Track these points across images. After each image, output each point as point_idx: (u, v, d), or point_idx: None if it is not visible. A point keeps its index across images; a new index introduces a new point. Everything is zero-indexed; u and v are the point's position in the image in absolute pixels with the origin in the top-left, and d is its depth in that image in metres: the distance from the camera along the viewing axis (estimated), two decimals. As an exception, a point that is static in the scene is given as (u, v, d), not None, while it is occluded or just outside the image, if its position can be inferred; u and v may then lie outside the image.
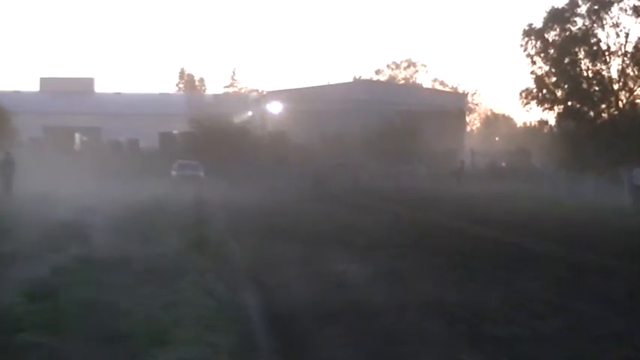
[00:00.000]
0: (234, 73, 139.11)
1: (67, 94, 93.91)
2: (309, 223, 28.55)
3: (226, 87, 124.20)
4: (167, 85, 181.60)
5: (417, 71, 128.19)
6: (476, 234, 24.64)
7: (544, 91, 54.98)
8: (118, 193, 41.37)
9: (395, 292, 14.05)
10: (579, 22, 54.14)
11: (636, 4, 52.64)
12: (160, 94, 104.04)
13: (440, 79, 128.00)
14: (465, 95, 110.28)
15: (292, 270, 16.55)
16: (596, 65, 54.06)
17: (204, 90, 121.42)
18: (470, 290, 14.14)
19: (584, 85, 54.03)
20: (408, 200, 43.04)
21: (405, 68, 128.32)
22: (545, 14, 54.61)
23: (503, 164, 77.51)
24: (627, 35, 53.44)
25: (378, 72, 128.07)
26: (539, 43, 54.62)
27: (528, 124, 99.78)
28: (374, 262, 17.75)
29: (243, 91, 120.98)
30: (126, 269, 14.32)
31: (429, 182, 61.89)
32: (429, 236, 24.17)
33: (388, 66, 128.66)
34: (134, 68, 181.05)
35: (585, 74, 54.41)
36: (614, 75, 53.99)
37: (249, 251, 19.70)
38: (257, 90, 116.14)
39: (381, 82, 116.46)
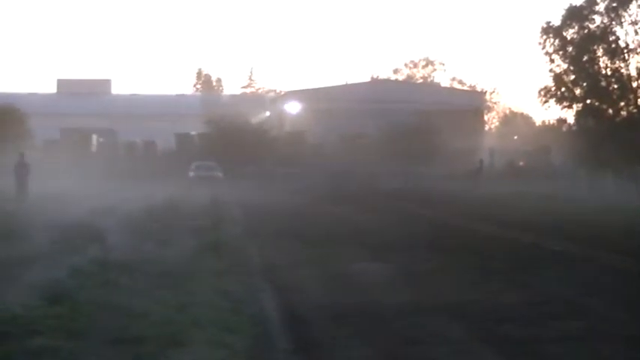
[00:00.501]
0: (251, 73, 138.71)
1: (84, 96, 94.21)
2: (325, 224, 28.53)
3: (244, 87, 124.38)
4: (184, 86, 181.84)
5: (434, 70, 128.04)
6: (494, 234, 24.56)
7: (562, 89, 54.76)
8: (134, 194, 41.45)
9: (412, 293, 14.03)
10: (597, 19, 53.89)
11: (656, 1, 52.47)
12: (177, 95, 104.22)
13: (458, 77, 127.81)
14: (483, 94, 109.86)
15: (308, 271, 16.54)
16: (614, 63, 53.82)
17: (222, 90, 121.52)
18: (488, 291, 14.09)
19: (603, 83, 53.80)
20: (425, 201, 42.96)
21: (422, 67, 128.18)
22: (563, 12, 54.41)
23: (521, 163, 77.16)
24: (646, 32, 53.24)
25: (395, 71, 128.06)
26: (557, 41, 54.40)
27: (547, 123, 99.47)
28: (391, 263, 17.72)
29: (260, 91, 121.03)
30: (142, 271, 14.33)
31: (447, 182, 61.75)
32: (447, 237, 24.11)
33: (406, 65, 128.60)
34: (150, 69, 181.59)
35: (604, 72, 54.19)
36: (633, 72, 53.70)
37: (266, 253, 19.70)
38: (274, 90, 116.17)
39: (399, 81, 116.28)
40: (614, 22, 53.62)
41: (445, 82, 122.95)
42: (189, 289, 12.69)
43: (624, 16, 53.33)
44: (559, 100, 55.12)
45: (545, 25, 54.68)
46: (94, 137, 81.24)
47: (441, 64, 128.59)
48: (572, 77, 54.68)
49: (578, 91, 54.81)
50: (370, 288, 14.66)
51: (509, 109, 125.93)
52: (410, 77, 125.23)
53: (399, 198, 45.89)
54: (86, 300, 11.35)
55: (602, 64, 54.23)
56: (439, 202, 41.68)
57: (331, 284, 15.00)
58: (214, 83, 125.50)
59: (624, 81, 53.71)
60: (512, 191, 48.43)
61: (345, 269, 16.95)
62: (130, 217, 26.56)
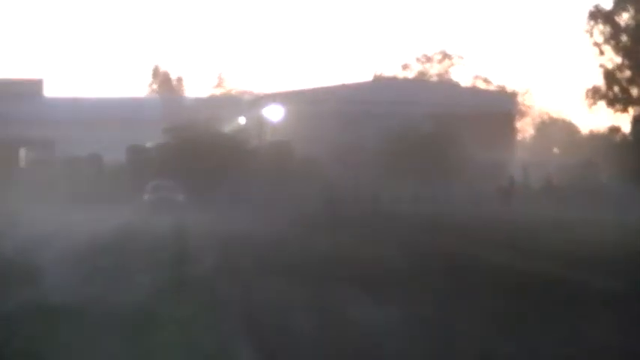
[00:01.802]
0: (221, 71, 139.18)
1: (10, 99, 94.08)
2: (316, 258, 28.52)
3: (214, 87, 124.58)
4: (137, 87, 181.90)
5: (452, 65, 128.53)
6: (529, 269, 24.64)
7: (615, 88, 54.94)
8: (76, 221, 41.44)
9: (432, 344, 14.06)
10: (658, 0, 54.13)
11: None
12: (129, 98, 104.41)
13: (482, 75, 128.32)
14: (514, 95, 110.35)
15: (295, 319, 16.53)
16: (680, 55, 54.08)
17: (184, 92, 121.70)
18: (525, 339, 14.14)
19: (666, 81, 54.00)
20: (442, 227, 43.03)
21: (438, 62, 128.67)
22: (615, -8, 54.64)
23: (554, 181, 77.14)
24: None
25: (404, 67, 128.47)
26: (608, 28, 54.62)
27: (596, 132, 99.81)
28: (400, 306, 17.70)
29: (233, 92, 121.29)
30: (86, 319, 14.33)
31: (469, 204, 61.88)
32: (471, 273, 24.16)
33: (418, 59, 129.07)
34: (93, 67, 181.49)
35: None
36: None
37: (243, 296, 19.70)
38: (251, 92, 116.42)
39: (409, 79, 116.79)
40: (678, 4, 53.83)
41: (466, 81, 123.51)
42: (146, 343, 12.69)
43: (691, -4, 53.58)
44: (611, 103, 55.24)
45: (592, 9, 54.90)
46: (23, 151, 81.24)
47: (460, 57, 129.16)
48: (627, 73, 54.88)
49: (634, 91, 55.00)
50: (372, 340, 14.67)
51: (547, 114, 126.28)
52: (422, 74, 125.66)
53: (408, 224, 45.93)
54: (18, 356, 11.35)
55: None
56: (458, 229, 41.72)
57: (323, 334, 15.01)
58: (174, 83, 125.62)
59: (691, 78, 53.90)
60: (549, 215, 48.36)
61: (341, 316, 16.95)
62: (71, 251, 26.55)
